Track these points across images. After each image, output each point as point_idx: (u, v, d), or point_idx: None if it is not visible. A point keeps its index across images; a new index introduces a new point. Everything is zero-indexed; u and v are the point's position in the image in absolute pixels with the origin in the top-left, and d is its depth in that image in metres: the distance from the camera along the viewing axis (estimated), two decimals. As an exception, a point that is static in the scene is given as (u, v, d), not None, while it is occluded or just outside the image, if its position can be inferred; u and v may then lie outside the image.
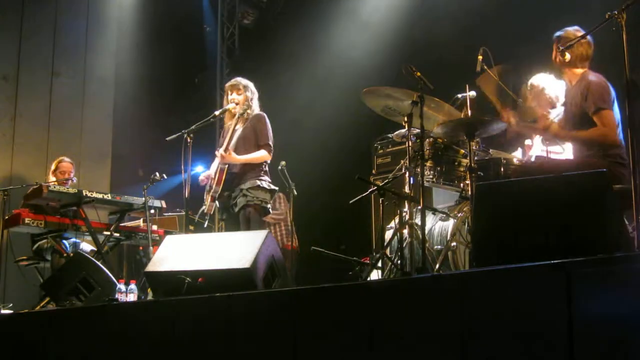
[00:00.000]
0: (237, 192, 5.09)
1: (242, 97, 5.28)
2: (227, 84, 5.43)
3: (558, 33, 4.29)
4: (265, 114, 5.29)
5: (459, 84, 4.87)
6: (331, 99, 7.71)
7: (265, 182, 5.14)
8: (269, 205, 5.15)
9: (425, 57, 6.34)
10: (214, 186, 5.09)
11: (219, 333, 3.20)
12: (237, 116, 5.25)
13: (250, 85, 5.35)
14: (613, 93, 4.09)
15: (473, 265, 3.55)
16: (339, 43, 8.07)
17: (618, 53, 3.29)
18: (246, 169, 5.12)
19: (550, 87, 4.82)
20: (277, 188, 5.24)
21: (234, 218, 5.14)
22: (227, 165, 5.08)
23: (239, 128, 5.22)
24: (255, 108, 5.32)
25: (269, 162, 5.25)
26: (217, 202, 5.16)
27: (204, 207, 5.19)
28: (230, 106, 5.30)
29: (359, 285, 3.49)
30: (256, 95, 5.37)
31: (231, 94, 5.31)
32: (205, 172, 5.35)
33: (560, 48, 4.07)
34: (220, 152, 5.07)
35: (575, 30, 4.21)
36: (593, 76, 4.15)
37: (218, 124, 9.33)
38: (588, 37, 4.00)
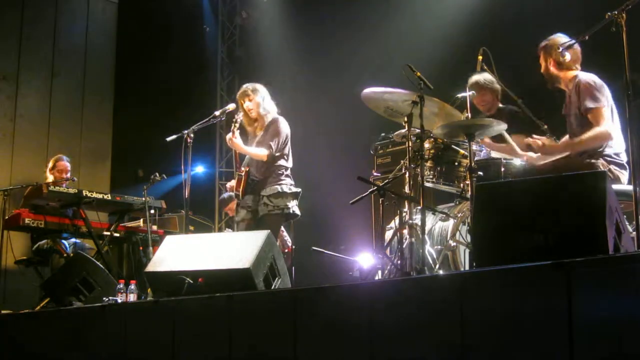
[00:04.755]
0: (258, 197, 5.15)
1: (253, 103, 5.29)
2: (238, 96, 5.43)
3: (543, 43, 4.30)
4: (280, 118, 5.32)
5: (459, 84, 4.88)
6: (331, 98, 7.72)
7: (286, 185, 5.17)
8: (292, 210, 5.16)
9: (425, 56, 6.34)
10: (239, 195, 5.20)
11: (219, 333, 3.20)
12: (256, 124, 5.34)
13: (259, 87, 5.35)
14: (606, 90, 4.09)
15: (473, 265, 3.55)
16: (339, 43, 8.07)
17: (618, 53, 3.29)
18: (266, 174, 5.18)
19: (496, 83, 4.93)
20: (299, 190, 5.23)
21: (247, 219, 5.18)
22: (244, 173, 5.16)
23: (259, 134, 5.31)
24: (271, 109, 5.34)
25: (288, 166, 5.26)
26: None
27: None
28: (231, 106, 5.36)
29: (359, 285, 3.49)
30: (267, 96, 5.36)
31: (244, 103, 5.32)
32: (232, 181, 5.41)
33: (560, 49, 4.07)
34: (228, 136, 5.13)
35: (559, 37, 4.23)
36: (584, 75, 4.16)
37: (218, 124, 9.34)
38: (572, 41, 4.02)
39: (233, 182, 5.35)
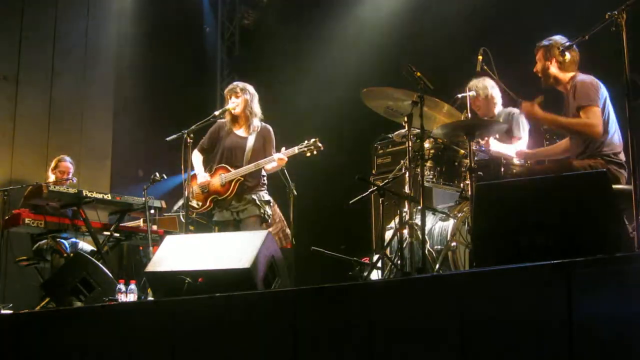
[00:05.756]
0: (245, 200, 5.26)
1: (240, 100, 5.35)
2: (226, 90, 5.52)
3: (544, 42, 4.30)
4: (271, 128, 5.44)
5: (459, 83, 4.87)
6: (331, 98, 7.71)
7: (267, 193, 5.39)
8: (268, 216, 5.39)
9: (425, 56, 6.34)
10: (219, 194, 5.27)
11: (219, 333, 3.20)
12: (239, 122, 5.38)
13: (249, 87, 5.42)
14: (603, 91, 4.10)
15: (473, 265, 3.55)
16: (340, 43, 8.07)
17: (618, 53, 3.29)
18: (257, 180, 5.32)
19: (494, 88, 4.99)
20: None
21: (232, 221, 5.28)
22: (242, 178, 5.23)
23: (247, 137, 5.36)
24: (257, 111, 5.42)
25: (266, 174, 5.45)
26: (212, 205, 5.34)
27: (194, 203, 5.36)
28: (230, 106, 5.39)
29: (359, 285, 3.49)
30: (256, 97, 5.44)
31: (230, 99, 5.41)
32: (202, 179, 5.40)
33: (560, 48, 4.08)
34: (279, 155, 5.16)
35: (560, 38, 4.24)
36: (582, 76, 4.19)
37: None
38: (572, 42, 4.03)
39: (207, 178, 5.37)
